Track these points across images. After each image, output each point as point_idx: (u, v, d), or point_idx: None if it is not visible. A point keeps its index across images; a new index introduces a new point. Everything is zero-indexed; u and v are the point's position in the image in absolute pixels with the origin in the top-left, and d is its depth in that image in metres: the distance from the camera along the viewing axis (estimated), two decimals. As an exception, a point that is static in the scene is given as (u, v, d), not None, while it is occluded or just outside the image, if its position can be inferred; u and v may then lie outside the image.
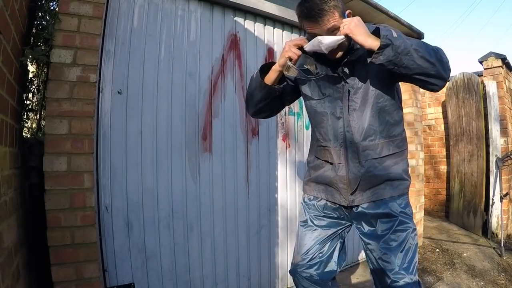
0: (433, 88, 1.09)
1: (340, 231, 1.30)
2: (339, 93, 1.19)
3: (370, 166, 1.17)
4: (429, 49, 1.02)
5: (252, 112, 1.36)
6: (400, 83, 1.26)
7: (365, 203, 1.19)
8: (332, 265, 1.28)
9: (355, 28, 1.01)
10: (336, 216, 1.28)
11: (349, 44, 1.13)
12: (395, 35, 0.99)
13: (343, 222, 1.29)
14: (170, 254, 1.86)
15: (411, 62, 0.99)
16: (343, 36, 1.04)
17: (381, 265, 1.16)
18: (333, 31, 1.07)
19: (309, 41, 1.10)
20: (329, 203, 1.27)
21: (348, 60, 1.14)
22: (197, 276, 1.95)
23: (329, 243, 1.27)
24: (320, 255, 1.26)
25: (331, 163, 1.23)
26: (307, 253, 1.27)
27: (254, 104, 1.31)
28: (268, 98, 1.26)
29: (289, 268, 2.34)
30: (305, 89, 1.30)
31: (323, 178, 1.27)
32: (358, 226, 1.24)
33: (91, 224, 1.47)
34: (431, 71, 1.02)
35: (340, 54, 1.14)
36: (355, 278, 2.57)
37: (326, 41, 1.04)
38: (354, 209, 1.22)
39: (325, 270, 1.26)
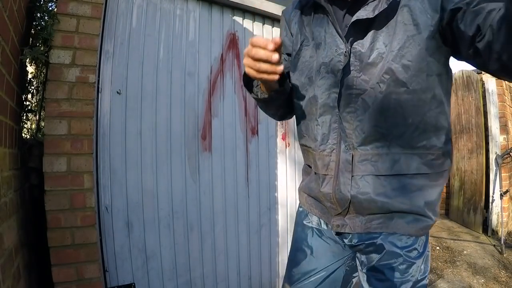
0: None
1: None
2: (337, 66, 0.76)
3: (368, 186, 0.76)
4: None
5: (278, 119, 1.06)
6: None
7: (361, 232, 0.80)
8: None
9: None
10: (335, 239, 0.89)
11: None
12: None
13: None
14: (171, 254, 1.86)
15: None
16: None
17: None
18: None
19: None
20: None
21: (360, 19, 0.71)
22: (198, 276, 1.95)
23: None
24: None
25: (315, 173, 0.87)
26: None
27: (274, 114, 1.01)
28: (281, 103, 0.90)
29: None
30: (293, 64, 0.89)
31: (310, 189, 0.91)
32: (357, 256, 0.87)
33: (91, 224, 1.47)
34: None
35: None
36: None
37: None
38: (349, 237, 0.83)
39: None
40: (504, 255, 2.89)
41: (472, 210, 3.89)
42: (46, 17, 1.50)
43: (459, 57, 0.70)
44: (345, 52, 0.74)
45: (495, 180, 3.60)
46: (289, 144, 2.42)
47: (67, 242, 1.41)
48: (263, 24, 2.36)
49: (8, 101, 1.16)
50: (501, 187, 3.40)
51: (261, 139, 2.26)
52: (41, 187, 1.40)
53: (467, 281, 2.38)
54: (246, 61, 0.72)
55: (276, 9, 2.31)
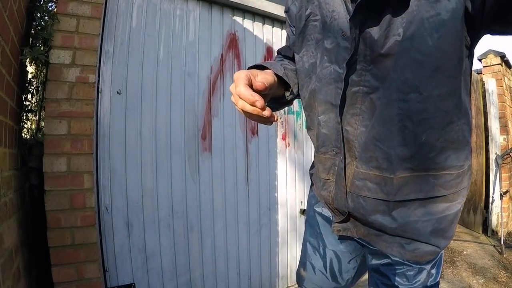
0: None
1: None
2: (342, 55, 0.61)
3: (367, 206, 0.65)
4: None
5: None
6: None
7: (363, 238, 0.72)
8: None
9: None
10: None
11: None
12: None
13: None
14: (171, 254, 1.86)
15: None
16: None
17: None
18: None
19: None
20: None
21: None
22: (198, 276, 1.95)
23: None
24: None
25: (318, 172, 0.77)
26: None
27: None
28: (284, 105, 0.80)
29: (289, 267, 2.35)
30: (298, 45, 0.74)
31: (316, 184, 0.82)
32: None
33: (91, 224, 1.47)
34: None
35: None
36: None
37: None
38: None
39: None
40: (504, 256, 2.89)
41: (472, 210, 3.89)
42: (46, 17, 1.50)
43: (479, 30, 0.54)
44: (354, 37, 0.57)
45: (495, 180, 3.60)
46: (289, 144, 2.42)
47: (67, 242, 1.41)
48: (263, 24, 2.36)
49: (8, 101, 1.16)
50: (501, 187, 3.40)
51: (261, 139, 2.26)
52: (41, 187, 1.40)
53: (467, 281, 2.38)
54: (235, 101, 0.57)
55: (276, 9, 2.31)
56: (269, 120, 0.56)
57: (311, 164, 0.93)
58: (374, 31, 0.56)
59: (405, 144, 0.58)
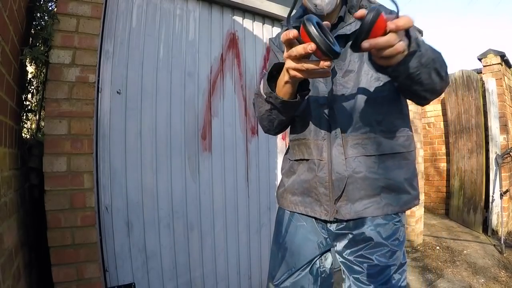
0: (423, 103, 0.91)
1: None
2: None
3: (361, 165, 0.88)
4: (441, 58, 0.78)
5: (274, 133, 1.08)
6: None
7: (352, 219, 0.89)
8: None
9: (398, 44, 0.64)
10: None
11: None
12: (420, 38, 0.72)
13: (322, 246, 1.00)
14: (171, 254, 1.86)
15: (426, 77, 0.74)
16: None
17: None
18: None
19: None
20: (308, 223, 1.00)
21: (340, 34, 0.88)
22: (198, 276, 1.95)
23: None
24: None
25: (308, 160, 0.96)
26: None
27: (275, 128, 1.01)
28: (292, 114, 0.94)
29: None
30: None
31: (299, 184, 0.98)
32: (336, 246, 0.97)
33: (91, 224, 1.47)
34: (438, 86, 0.80)
35: (334, 17, 0.92)
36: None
37: None
38: (336, 224, 0.93)
39: None
40: (504, 255, 2.89)
41: (472, 210, 3.89)
42: (46, 17, 1.50)
43: None
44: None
45: (495, 180, 3.60)
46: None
47: (67, 242, 1.41)
48: (263, 24, 2.36)
49: (8, 101, 1.16)
50: (501, 187, 3.40)
51: (261, 139, 2.26)
52: (41, 187, 1.40)
53: (467, 281, 2.38)
54: (291, 62, 0.69)
55: (276, 9, 2.31)
56: (325, 65, 0.66)
57: (278, 191, 1.10)
58: (342, 58, 0.91)
59: (378, 114, 0.89)
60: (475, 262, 2.76)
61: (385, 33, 0.62)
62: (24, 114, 1.63)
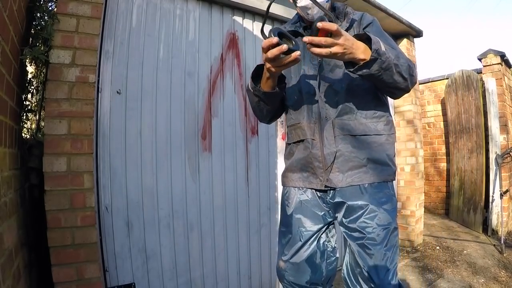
0: (394, 97, 1.12)
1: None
2: (315, 70, 1.12)
3: (348, 142, 1.07)
4: (406, 64, 1.00)
5: (267, 122, 1.31)
6: None
7: (344, 186, 1.06)
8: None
9: (353, 47, 0.89)
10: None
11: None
12: (383, 48, 0.92)
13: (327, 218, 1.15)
14: (171, 254, 1.86)
15: (389, 77, 0.97)
16: None
17: (358, 263, 1.05)
18: None
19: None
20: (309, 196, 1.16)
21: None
22: (198, 276, 1.95)
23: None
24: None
25: (303, 141, 1.14)
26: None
27: (266, 116, 1.25)
28: (276, 103, 1.17)
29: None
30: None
31: (297, 161, 1.17)
32: (337, 217, 1.13)
33: (91, 224, 1.47)
34: (402, 85, 1.02)
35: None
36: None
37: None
38: (332, 194, 1.10)
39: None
40: (504, 255, 2.89)
41: (472, 210, 3.89)
42: (46, 17, 1.50)
43: None
44: (318, 60, 1.11)
45: (495, 180, 3.60)
46: (289, 144, 2.42)
47: (67, 242, 1.41)
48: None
49: (8, 101, 1.16)
50: (501, 187, 3.40)
51: (261, 139, 2.26)
52: (41, 187, 1.40)
53: (467, 280, 2.38)
54: (267, 62, 0.93)
55: (276, 9, 2.30)
56: (292, 58, 0.89)
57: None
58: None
59: (360, 101, 1.09)
60: (475, 262, 2.76)
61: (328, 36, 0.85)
62: (24, 114, 1.63)
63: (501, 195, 3.33)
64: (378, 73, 0.94)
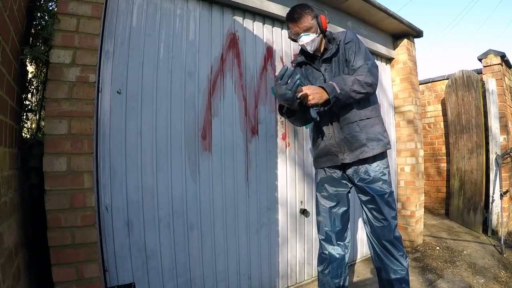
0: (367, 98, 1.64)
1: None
2: (321, 82, 1.67)
3: (350, 128, 1.61)
4: (362, 82, 1.50)
5: (305, 126, 2.08)
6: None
7: (353, 161, 1.62)
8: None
9: (315, 97, 1.46)
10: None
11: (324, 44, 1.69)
12: (338, 90, 1.46)
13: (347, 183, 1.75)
14: (170, 254, 1.86)
15: (350, 99, 1.53)
16: (315, 35, 1.60)
17: (374, 217, 1.64)
18: (308, 29, 1.57)
19: (293, 39, 1.67)
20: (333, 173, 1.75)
21: (326, 58, 1.66)
22: (198, 275, 1.95)
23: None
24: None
25: (323, 135, 1.70)
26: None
27: (301, 124, 1.81)
28: (303, 116, 1.63)
29: (289, 266, 2.35)
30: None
31: (321, 150, 1.73)
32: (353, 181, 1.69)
33: (91, 224, 1.47)
34: (365, 95, 1.55)
35: (321, 49, 1.69)
36: (356, 277, 2.57)
37: (307, 39, 1.59)
38: (348, 169, 1.69)
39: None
40: (504, 255, 2.89)
41: (472, 210, 3.89)
42: (46, 17, 1.50)
43: None
44: (323, 76, 1.69)
45: (495, 180, 3.60)
46: (289, 144, 2.42)
47: (67, 241, 1.41)
48: (263, 24, 2.36)
49: (8, 100, 1.16)
50: (501, 187, 3.40)
51: (261, 139, 2.26)
52: (41, 186, 1.40)
53: (467, 281, 2.38)
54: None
55: (276, 9, 2.31)
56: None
57: (313, 158, 1.87)
58: (329, 70, 1.70)
59: (354, 109, 1.62)
60: (475, 262, 2.76)
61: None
62: (24, 113, 1.63)
63: (501, 196, 3.33)
64: (342, 100, 1.51)
